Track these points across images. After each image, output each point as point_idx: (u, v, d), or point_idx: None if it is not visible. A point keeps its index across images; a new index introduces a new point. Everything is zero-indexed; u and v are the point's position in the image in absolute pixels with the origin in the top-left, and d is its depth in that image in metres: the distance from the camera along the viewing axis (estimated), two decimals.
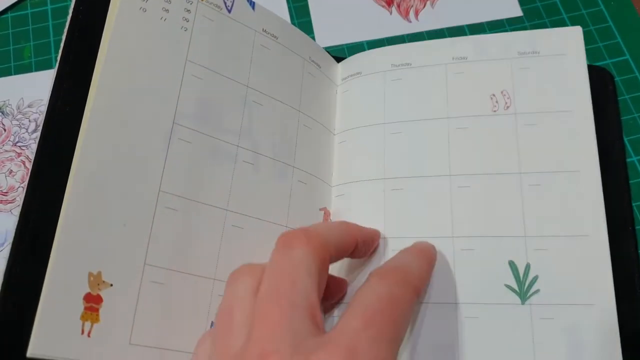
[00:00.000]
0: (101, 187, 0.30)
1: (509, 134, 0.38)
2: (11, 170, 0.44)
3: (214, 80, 0.36)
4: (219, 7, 0.37)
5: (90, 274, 0.29)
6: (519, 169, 0.37)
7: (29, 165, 0.44)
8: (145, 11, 0.34)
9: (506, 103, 0.39)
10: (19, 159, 0.45)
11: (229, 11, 0.38)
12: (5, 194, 0.43)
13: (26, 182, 0.31)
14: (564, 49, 0.39)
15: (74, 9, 0.34)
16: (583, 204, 0.36)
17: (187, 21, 0.35)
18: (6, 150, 0.45)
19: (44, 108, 0.46)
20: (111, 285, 0.30)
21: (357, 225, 0.36)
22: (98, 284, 0.29)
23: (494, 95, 0.39)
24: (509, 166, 0.37)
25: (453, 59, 0.40)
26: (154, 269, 0.31)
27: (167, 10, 0.35)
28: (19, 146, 0.45)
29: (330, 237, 0.31)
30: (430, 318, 0.35)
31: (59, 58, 0.33)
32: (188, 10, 0.36)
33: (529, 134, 0.38)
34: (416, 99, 0.40)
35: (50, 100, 0.32)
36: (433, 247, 0.36)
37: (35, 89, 0.47)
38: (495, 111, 0.39)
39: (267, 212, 0.37)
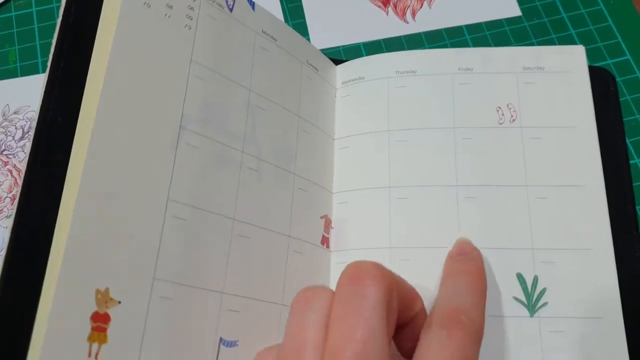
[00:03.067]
0: (109, 199, 0.29)
1: (515, 147, 0.39)
2: None
3: (217, 82, 0.36)
4: (220, 5, 0.37)
5: (97, 291, 0.28)
6: (525, 182, 0.38)
7: (16, 175, 0.44)
8: (149, 7, 0.33)
9: (512, 116, 0.40)
10: (5, 168, 0.44)
11: (231, 10, 0.37)
12: None
13: (17, 199, 0.29)
14: (568, 67, 0.41)
15: (64, 9, 0.32)
16: (588, 218, 0.37)
17: (191, 19, 0.35)
18: None
19: (31, 114, 0.46)
20: (119, 302, 0.29)
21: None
22: (106, 302, 0.28)
23: (499, 108, 0.40)
24: (515, 178, 0.38)
25: (459, 69, 0.41)
26: (162, 283, 0.31)
27: (170, 7, 0.34)
28: (5, 155, 0.44)
29: (400, 281, 0.31)
30: None
31: (49, 63, 0.31)
32: (191, 8, 0.35)
33: (535, 147, 0.39)
34: (421, 107, 0.41)
35: (40, 110, 0.30)
36: (482, 268, 0.35)
37: (21, 94, 0.46)
38: (501, 124, 0.40)
39: (271, 221, 0.37)
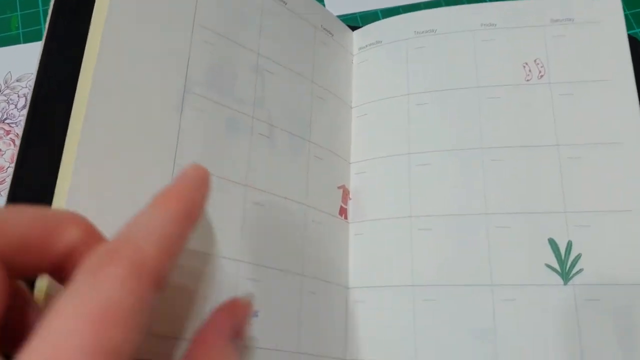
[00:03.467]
0: (110, 164, 0.28)
1: (544, 105, 0.37)
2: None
3: (223, 45, 0.35)
4: None
5: None
6: (556, 141, 0.36)
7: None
8: None
9: (540, 72, 0.38)
10: (7, 137, 0.43)
11: None
12: None
13: (14, 162, 0.29)
14: (601, 16, 0.38)
15: None
16: (626, 178, 0.35)
17: None
18: None
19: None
20: None
21: None
22: None
23: (526, 64, 0.38)
24: (545, 138, 0.36)
25: (481, 25, 0.39)
26: None
27: None
28: (8, 123, 0.43)
29: None
30: (465, 301, 0.34)
31: (46, 26, 0.31)
32: None
33: (566, 104, 0.37)
34: (442, 67, 0.39)
35: (37, 74, 0.30)
36: (201, 173, 0.26)
37: (24, 61, 0.45)
38: (528, 80, 0.38)
39: (286, 189, 0.35)
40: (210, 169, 0.31)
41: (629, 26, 0.48)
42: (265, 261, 0.33)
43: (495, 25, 0.39)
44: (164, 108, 0.31)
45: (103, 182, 0.28)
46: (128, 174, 0.29)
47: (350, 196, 0.38)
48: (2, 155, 0.42)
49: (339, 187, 0.38)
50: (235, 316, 0.26)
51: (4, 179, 0.41)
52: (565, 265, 0.34)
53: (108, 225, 0.27)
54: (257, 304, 0.32)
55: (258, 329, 0.31)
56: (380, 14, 0.49)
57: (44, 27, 0.46)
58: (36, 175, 0.28)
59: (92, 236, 0.23)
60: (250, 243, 0.33)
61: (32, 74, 0.44)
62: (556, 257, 0.34)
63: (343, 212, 0.38)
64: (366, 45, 0.42)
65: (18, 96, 0.44)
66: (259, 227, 0.33)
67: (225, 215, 0.32)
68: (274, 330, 0.32)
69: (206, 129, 0.33)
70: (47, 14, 0.48)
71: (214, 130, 0.33)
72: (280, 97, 0.37)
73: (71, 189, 0.27)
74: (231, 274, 0.32)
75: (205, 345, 0.24)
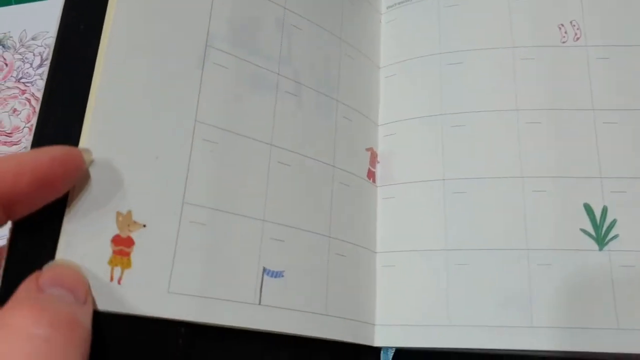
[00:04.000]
0: (128, 114, 0.28)
1: (579, 68, 0.36)
2: (15, 108, 0.41)
3: None
4: None
5: (118, 214, 0.27)
6: (592, 105, 0.35)
7: (35, 104, 0.41)
8: None
9: (576, 34, 0.37)
10: (23, 97, 0.42)
11: None
12: (9, 134, 0.40)
13: (34, 119, 0.27)
14: None
15: None
16: None
17: None
18: (9, 87, 0.42)
19: (49, 41, 0.43)
20: (144, 226, 0.27)
21: None
22: (128, 225, 0.27)
23: (562, 25, 0.37)
24: (580, 102, 0.36)
25: None
26: (193, 207, 0.29)
27: None
28: (23, 82, 0.42)
29: None
30: (500, 265, 0.34)
31: None
32: None
33: (602, 68, 0.36)
34: (475, 26, 0.38)
35: (61, 18, 0.28)
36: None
37: (39, 20, 0.44)
38: (564, 42, 0.37)
39: (313, 149, 0.35)
40: (233, 126, 0.31)
41: None
42: (291, 221, 0.33)
43: None
44: (185, 63, 0.30)
45: (124, 139, 0.28)
46: (148, 130, 0.28)
47: (379, 159, 0.38)
48: (18, 114, 0.41)
49: (367, 150, 0.38)
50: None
51: (20, 139, 0.41)
52: (601, 231, 0.33)
53: (131, 183, 0.27)
54: (282, 264, 0.32)
55: (284, 289, 0.31)
56: None
57: None
58: (57, 132, 0.27)
59: None
60: (275, 203, 0.32)
61: (47, 32, 0.43)
62: (591, 222, 0.34)
63: (371, 175, 0.38)
64: (395, 4, 0.41)
65: (33, 55, 0.43)
66: (285, 187, 0.33)
67: (249, 174, 0.32)
68: (301, 291, 0.32)
69: (228, 86, 0.32)
70: None
71: (237, 87, 0.32)
72: (307, 55, 0.36)
73: (92, 145, 0.27)
74: (256, 233, 0.31)
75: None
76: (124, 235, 0.27)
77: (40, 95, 0.28)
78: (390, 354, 0.35)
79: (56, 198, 0.25)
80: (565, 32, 0.37)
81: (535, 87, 0.36)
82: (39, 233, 0.25)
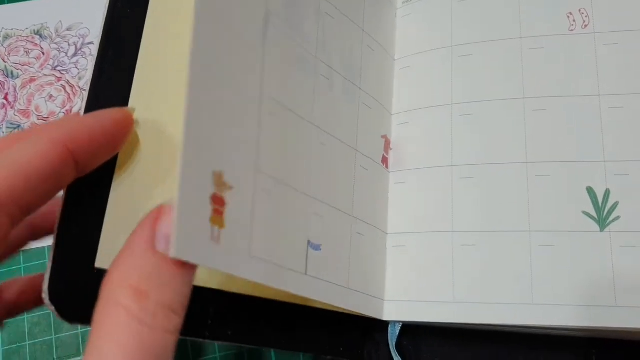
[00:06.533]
0: (214, 80, 0.27)
1: (587, 55, 0.38)
2: (51, 95, 0.45)
3: None
4: None
5: (214, 173, 0.26)
6: (598, 91, 0.37)
7: (70, 91, 0.44)
8: None
9: (584, 22, 0.38)
10: (59, 84, 0.45)
11: None
12: (45, 119, 0.44)
13: (88, 84, 0.29)
14: None
15: None
16: None
17: None
18: (45, 75, 0.45)
19: (84, 31, 0.46)
20: (231, 188, 0.27)
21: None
22: (221, 185, 0.26)
23: (571, 13, 0.39)
24: (587, 88, 0.37)
25: None
26: (264, 176, 0.29)
27: None
28: (59, 70, 0.45)
29: None
30: (503, 246, 0.35)
31: None
32: None
33: (609, 54, 0.37)
34: (486, 18, 0.40)
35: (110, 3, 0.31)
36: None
37: (74, 11, 0.47)
38: (572, 30, 0.38)
39: (341, 132, 0.37)
40: (287, 102, 0.32)
41: None
42: (327, 199, 0.35)
43: None
44: (250, 33, 0.30)
45: (212, 98, 0.27)
46: (230, 95, 0.28)
47: (391, 146, 0.40)
48: (54, 100, 0.45)
49: (382, 137, 0.40)
50: (155, 220, 0.25)
51: None
52: (602, 213, 0.35)
53: (222, 145, 0.27)
54: (320, 239, 0.33)
55: (322, 262, 0.33)
56: None
57: None
58: (111, 98, 0.30)
59: None
60: (317, 179, 0.34)
61: (82, 23, 0.46)
62: (593, 204, 0.35)
63: (385, 161, 0.40)
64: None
65: (68, 44, 0.46)
66: (322, 165, 0.35)
67: (299, 150, 0.33)
68: (331, 265, 0.34)
69: (282, 62, 0.32)
70: None
71: (289, 65, 0.33)
72: (337, 42, 0.38)
73: (189, 102, 0.25)
74: (303, 208, 0.33)
75: (125, 249, 0.24)
76: (220, 194, 0.26)
77: (74, 82, 0.31)
78: (398, 328, 0.37)
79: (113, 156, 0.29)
80: (574, 21, 0.38)
81: (542, 76, 0.38)
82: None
